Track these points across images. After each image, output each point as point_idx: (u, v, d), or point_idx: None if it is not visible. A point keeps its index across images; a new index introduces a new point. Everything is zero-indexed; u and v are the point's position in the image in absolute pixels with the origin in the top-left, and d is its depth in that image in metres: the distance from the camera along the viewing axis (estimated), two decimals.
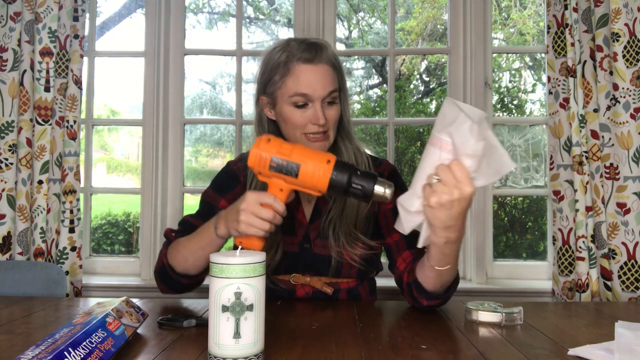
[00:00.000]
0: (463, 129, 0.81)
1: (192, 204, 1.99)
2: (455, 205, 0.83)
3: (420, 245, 0.92)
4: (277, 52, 1.12)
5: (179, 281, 1.12)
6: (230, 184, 1.22)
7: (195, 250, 1.05)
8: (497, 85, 3.79)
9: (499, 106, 3.82)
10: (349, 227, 1.15)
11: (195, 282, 1.14)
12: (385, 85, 4.12)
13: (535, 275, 1.91)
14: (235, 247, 0.89)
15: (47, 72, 1.75)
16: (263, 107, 1.17)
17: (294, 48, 1.10)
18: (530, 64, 3.84)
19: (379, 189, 0.87)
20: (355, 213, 1.15)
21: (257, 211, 0.89)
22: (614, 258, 1.64)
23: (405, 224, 0.91)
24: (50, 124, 1.76)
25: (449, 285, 1.04)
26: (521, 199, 3.34)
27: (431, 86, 4.23)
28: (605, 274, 1.66)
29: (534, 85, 3.88)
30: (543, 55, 1.96)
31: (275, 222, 0.90)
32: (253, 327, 0.71)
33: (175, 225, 1.23)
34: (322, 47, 1.11)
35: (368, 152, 1.26)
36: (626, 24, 1.63)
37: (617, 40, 1.63)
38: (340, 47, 4.58)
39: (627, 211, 1.63)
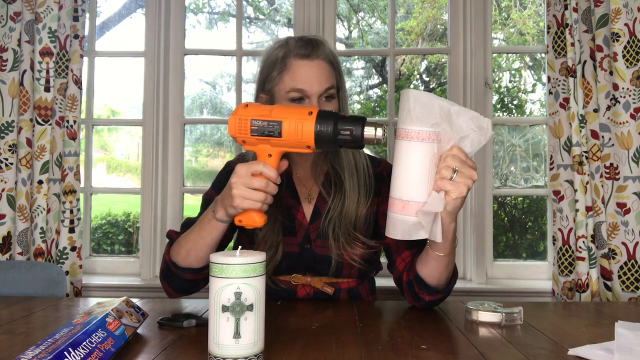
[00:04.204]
0: (449, 115, 0.83)
1: (192, 204, 1.99)
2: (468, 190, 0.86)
3: (439, 239, 0.88)
4: (275, 49, 1.12)
5: (183, 277, 1.06)
6: None
7: (197, 241, 1.01)
8: (497, 85, 3.79)
9: (499, 106, 3.82)
10: (347, 227, 1.14)
11: (201, 277, 1.07)
12: (385, 85, 4.12)
13: (535, 275, 1.91)
14: (235, 247, 0.88)
15: (47, 72, 1.75)
16: None
17: (292, 45, 1.11)
18: (530, 64, 3.84)
19: (369, 131, 0.84)
20: (354, 213, 1.15)
21: (248, 182, 0.87)
22: (614, 258, 1.64)
23: (433, 230, 0.86)
24: (50, 124, 1.76)
25: (449, 279, 1.05)
26: (521, 199, 3.34)
27: (431, 86, 4.22)
28: (605, 274, 1.66)
29: (534, 85, 3.88)
30: (543, 55, 1.96)
31: (269, 190, 0.88)
32: (253, 327, 0.71)
33: (175, 225, 1.23)
34: (319, 43, 1.12)
35: (367, 151, 1.26)
36: (626, 24, 1.63)
37: (617, 40, 1.63)
38: (340, 47, 4.58)
39: (627, 211, 1.63)
